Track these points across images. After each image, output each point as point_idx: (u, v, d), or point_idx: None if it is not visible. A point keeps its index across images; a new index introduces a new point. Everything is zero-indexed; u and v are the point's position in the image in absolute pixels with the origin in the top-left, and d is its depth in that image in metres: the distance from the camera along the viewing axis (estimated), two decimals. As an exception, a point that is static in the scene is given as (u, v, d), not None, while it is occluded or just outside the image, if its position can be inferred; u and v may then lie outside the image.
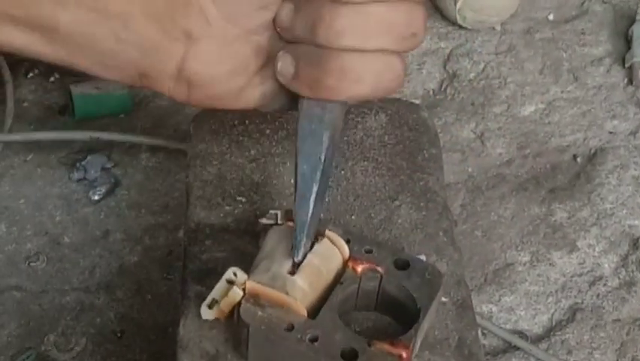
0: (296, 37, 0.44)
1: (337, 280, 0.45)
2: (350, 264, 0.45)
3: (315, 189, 0.45)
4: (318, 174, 0.45)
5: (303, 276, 0.44)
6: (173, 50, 0.44)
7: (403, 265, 0.46)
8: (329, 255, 0.45)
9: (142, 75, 0.45)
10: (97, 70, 0.46)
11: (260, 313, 0.43)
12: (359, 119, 0.57)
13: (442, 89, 0.88)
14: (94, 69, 0.45)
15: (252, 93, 0.47)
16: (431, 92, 0.88)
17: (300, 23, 0.44)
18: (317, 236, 0.45)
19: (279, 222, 0.49)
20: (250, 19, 0.45)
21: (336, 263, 0.45)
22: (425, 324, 0.45)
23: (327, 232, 0.46)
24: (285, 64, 0.45)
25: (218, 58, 0.45)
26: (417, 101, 0.84)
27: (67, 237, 0.74)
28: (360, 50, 0.43)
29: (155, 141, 0.80)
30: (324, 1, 0.43)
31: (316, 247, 0.45)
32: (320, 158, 0.45)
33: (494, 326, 0.69)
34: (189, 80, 0.45)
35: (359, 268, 0.45)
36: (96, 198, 0.76)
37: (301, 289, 0.43)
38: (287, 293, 0.43)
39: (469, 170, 0.81)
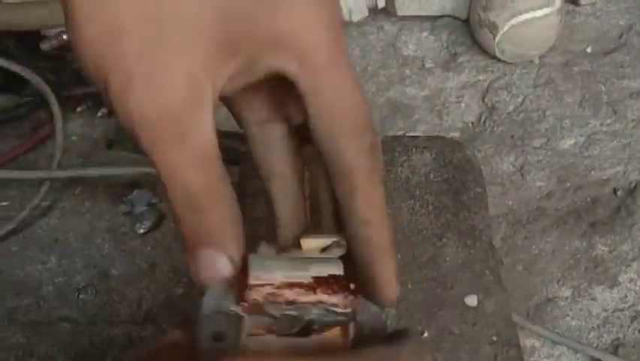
0: None
1: None
2: None
3: None
4: None
5: None
6: None
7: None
8: None
9: None
10: None
11: None
12: (405, 158, 0.58)
13: (481, 122, 0.88)
14: None
15: None
16: (470, 125, 0.88)
17: None
18: None
19: None
20: None
21: None
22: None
23: None
24: None
25: None
26: (456, 134, 0.85)
27: (115, 269, 0.75)
28: None
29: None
30: None
31: None
32: None
33: (537, 361, 0.69)
34: None
35: None
36: (142, 231, 0.78)
37: None
38: None
39: (510, 203, 0.81)
